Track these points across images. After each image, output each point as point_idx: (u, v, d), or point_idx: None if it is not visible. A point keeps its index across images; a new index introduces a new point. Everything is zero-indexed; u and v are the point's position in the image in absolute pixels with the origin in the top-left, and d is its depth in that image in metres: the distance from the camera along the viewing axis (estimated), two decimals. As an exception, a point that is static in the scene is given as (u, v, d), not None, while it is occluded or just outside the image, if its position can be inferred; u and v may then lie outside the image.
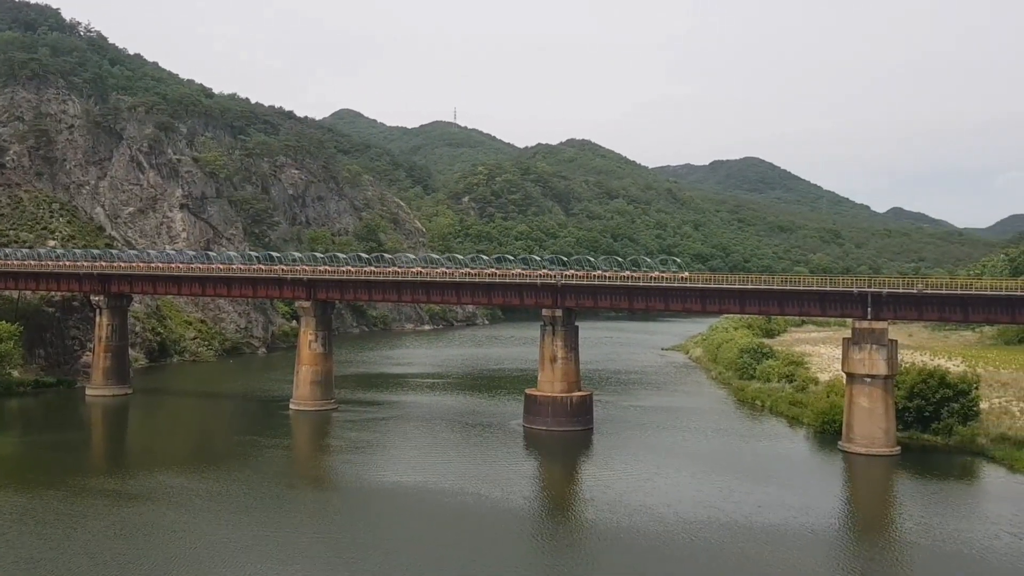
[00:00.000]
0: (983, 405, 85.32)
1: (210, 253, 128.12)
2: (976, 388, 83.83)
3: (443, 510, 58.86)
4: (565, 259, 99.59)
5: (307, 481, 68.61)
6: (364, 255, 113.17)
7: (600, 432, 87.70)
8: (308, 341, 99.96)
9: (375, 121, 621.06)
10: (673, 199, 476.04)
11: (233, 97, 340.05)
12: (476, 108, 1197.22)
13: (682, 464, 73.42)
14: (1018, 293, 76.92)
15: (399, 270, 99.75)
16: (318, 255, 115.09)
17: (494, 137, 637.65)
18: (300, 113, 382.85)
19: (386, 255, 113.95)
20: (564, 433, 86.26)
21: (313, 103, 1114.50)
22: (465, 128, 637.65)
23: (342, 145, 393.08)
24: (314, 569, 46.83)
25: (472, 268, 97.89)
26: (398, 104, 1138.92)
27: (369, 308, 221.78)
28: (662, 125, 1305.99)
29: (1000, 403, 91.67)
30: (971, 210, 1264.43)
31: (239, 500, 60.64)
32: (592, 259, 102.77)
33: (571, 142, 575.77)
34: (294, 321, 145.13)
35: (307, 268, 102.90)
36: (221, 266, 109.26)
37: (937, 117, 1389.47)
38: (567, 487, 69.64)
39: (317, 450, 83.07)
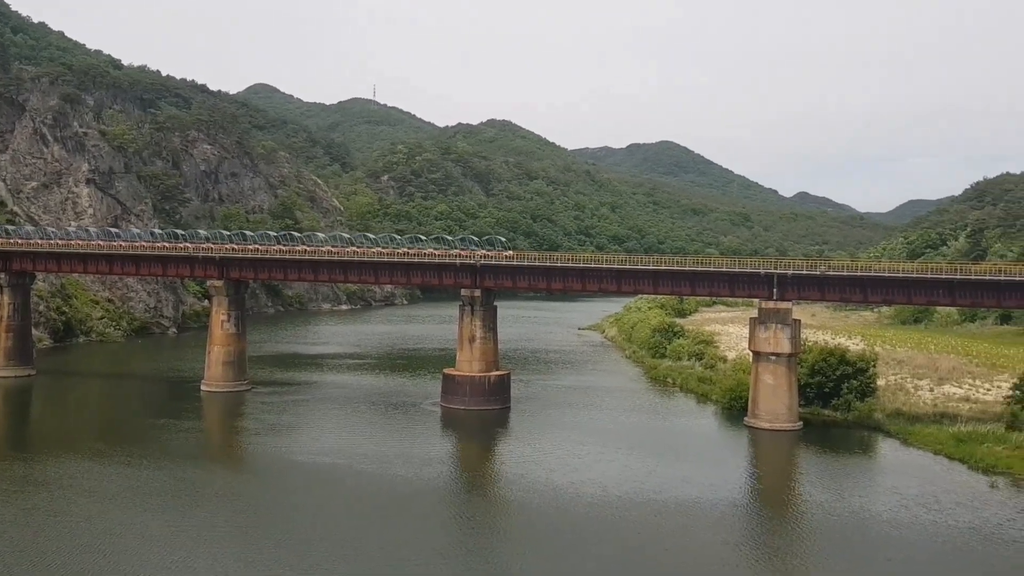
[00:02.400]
0: (880, 382, 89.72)
1: (112, 230, 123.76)
2: (874, 366, 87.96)
3: (362, 492, 58.97)
4: (476, 239, 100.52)
5: (222, 464, 67.81)
6: (272, 232, 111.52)
7: (518, 411, 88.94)
8: (220, 321, 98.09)
9: (291, 97, 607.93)
10: (591, 181, 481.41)
11: (143, 69, 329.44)
12: (396, 86, 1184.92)
13: (599, 442, 75.08)
14: (913, 275, 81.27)
15: (315, 249, 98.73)
16: (224, 232, 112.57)
17: (414, 115, 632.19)
18: (213, 87, 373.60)
19: (295, 233, 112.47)
20: (482, 412, 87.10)
21: (227, 77, 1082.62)
22: (384, 106, 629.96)
23: (257, 120, 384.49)
24: (232, 554, 46.60)
25: (384, 247, 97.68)
26: (315, 80, 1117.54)
27: (284, 288, 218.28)
28: (584, 110, 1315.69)
29: (896, 380, 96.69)
30: (873, 195, 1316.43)
31: (152, 485, 59.44)
32: (503, 239, 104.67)
33: (492, 123, 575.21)
34: (206, 301, 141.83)
35: (220, 246, 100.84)
36: (124, 243, 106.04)
37: (842, 105, 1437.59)
38: (490, 467, 70.42)
39: (231, 432, 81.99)
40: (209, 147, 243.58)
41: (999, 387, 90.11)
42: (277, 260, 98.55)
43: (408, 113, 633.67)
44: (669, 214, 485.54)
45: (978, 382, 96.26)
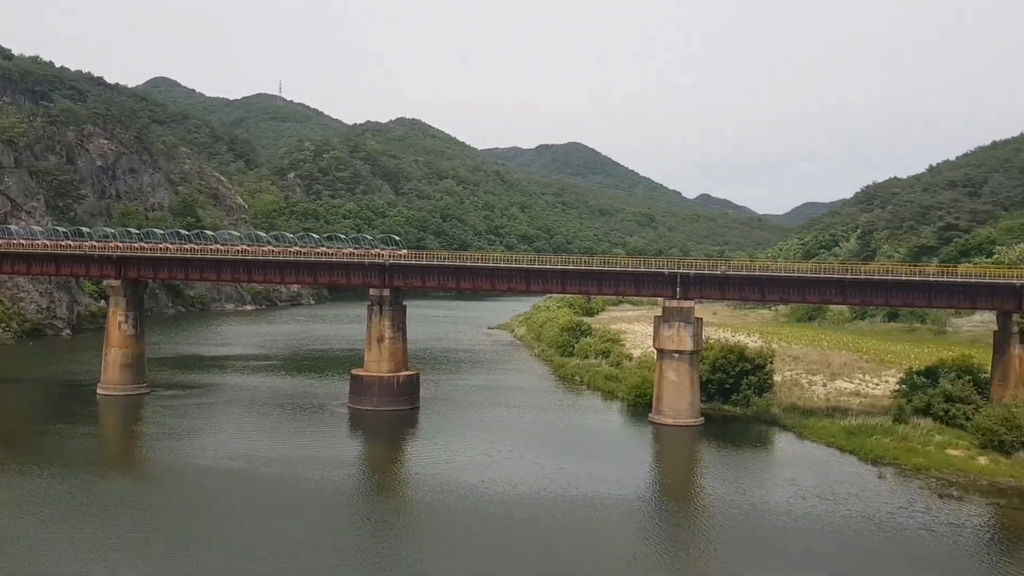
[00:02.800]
0: (776, 378, 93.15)
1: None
2: (771, 362, 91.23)
3: (268, 496, 57.73)
4: (370, 237, 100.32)
5: (119, 470, 65.41)
6: (158, 231, 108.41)
7: (427, 411, 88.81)
8: (118, 322, 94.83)
9: (193, 91, 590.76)
10: (501, 181, 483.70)
11: (35, 60, 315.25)
12: (303, 82, 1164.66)
13: (509, 441, 75.56)
14: (808, 275, 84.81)
15: (206, 247, 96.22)
16: (107, 230, 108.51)
17: (321, 112, 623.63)
18: (111, 79, 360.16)
19: (183, 231, 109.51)
20: (391, 413, 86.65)
21: (125, 69, 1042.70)
22: (291, 102, 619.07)
23: (157, 115, 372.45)
24: (130, 563, 45.17)
25: (276, 246, 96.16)
26: (219, 74, 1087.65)
27: (186, 287, 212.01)
28: (493, 108, 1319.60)
29: (791, 376, 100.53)
30: (770, 197, 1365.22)
31: (46, 493, 56.98)
32: (396, 237, 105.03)
33: (401, 121, 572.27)
34: (103, 301, 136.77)
35: (117, 244, 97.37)
36: (2, 241, 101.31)
37: (742, 110, 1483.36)
38: (399, 468, 69.97)
39: (129, 437, 79.25)
40: (106, 142, 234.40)
41: (887, 382, 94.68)
42: (178, 259, 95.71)
43: (315, 110, 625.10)
44: (577, 214, 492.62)
45: (867, 377, 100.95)
